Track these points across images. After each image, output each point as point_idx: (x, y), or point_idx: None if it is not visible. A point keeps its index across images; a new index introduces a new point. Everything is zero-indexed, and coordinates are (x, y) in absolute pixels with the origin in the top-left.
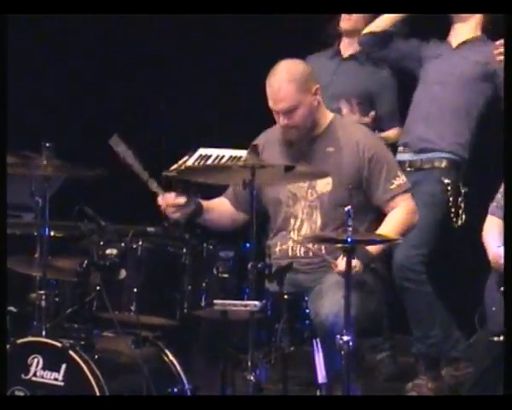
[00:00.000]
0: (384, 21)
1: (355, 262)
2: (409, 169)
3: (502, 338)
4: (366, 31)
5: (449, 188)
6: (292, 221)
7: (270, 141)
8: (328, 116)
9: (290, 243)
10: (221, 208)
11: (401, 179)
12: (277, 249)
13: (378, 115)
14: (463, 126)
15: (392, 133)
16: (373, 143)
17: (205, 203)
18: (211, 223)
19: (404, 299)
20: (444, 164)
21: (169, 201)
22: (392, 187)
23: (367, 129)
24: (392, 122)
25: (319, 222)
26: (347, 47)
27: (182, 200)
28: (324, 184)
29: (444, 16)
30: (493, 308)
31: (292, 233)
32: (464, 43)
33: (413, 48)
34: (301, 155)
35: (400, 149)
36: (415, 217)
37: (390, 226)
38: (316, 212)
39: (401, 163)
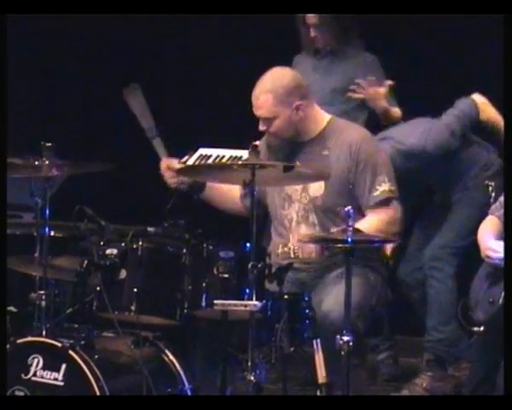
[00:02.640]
0: None
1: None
2: None
3: (482, 328)
4: None
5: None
6: (287, 223)
7: (266, 145)
8: (322, 120)
9: (291, 246)
10: (228, 191)
11: (387, 186)
12: (279, 251)
13: None
14: None
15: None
16: (365, 146)
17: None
18: (214, 201)
19: (429, 289)
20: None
21: (170, 164)
22: (375, 194)
23: (364, 131)
24: None
25: (317, 224)
26: (320, 41)
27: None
28: (317, 188)
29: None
30: (479, 297)
31: (291, 236)
32: None
33: None
34: (296, 159)
35: None
36: (394, 227)
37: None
38: (312, 215)
39: None
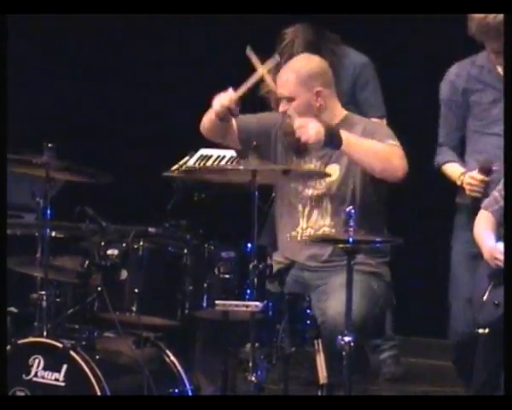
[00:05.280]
0: None
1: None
2: None
3: (487, 330)
4: None
5: None
6: (300, 208)
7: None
8: (339, 114)
9: (299, 230)
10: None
11: (396, 143)
12: (287, 236)
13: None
14: None
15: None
16: (380, 130)
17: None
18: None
19: None
20: None
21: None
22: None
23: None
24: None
25: (330, 209)
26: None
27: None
28: (333, 172)
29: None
30: (483, 299)
31: (301, 220)
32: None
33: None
34: (308, 151)
35: None
36: (401, 161)
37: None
38: (326, 199)
39: None
